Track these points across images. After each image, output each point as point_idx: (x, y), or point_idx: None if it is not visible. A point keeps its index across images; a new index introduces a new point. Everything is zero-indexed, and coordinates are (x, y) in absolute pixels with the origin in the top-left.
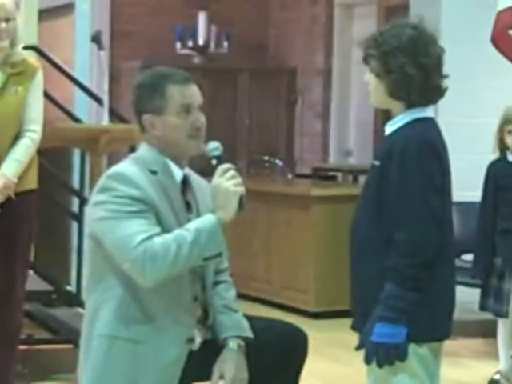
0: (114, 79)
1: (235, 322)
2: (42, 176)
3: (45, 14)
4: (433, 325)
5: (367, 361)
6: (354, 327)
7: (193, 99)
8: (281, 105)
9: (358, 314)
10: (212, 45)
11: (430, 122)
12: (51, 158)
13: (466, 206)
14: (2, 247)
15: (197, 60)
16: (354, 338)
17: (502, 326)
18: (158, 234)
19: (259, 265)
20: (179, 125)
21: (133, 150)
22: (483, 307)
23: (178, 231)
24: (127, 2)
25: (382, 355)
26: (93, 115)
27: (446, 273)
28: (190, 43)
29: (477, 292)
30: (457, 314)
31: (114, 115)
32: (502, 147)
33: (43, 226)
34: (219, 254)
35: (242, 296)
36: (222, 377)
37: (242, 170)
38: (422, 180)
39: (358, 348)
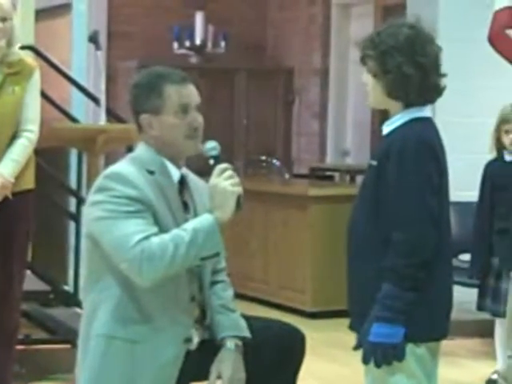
0: (110, 79)
1: (233, 321)
2: (39, 176)
3: (42, 14)
4: (430, 325)
5: (365, 361)
6: (351, 327)
7: (190, 99)
8: (278, 105)
9: (356, 314)
10: (209, 45)
11: (428, 122)
12: (48, 157)
13: (463, 205)
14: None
15: (194, 60)
16: (351, 338)
17: (499, 326)
18: (155, 234)
19: (256, 265)
20: (177, 125)
21: (130, 149)
22: (480, 307)
23: (175, 231)
24: (124, 2)
25: (379, 355)
26: (90, 115)
27: (443, 273)
28: (187, 43)
29: (474, 292)
30: (454, 314)
31: (111, 115)
32: (499, 147)
33: (40, 226)
34: (216, 254)
35: (239, 296)
36: (219, 377)
37: (239, 170)
38: (420, 180)
39: (356, 348)
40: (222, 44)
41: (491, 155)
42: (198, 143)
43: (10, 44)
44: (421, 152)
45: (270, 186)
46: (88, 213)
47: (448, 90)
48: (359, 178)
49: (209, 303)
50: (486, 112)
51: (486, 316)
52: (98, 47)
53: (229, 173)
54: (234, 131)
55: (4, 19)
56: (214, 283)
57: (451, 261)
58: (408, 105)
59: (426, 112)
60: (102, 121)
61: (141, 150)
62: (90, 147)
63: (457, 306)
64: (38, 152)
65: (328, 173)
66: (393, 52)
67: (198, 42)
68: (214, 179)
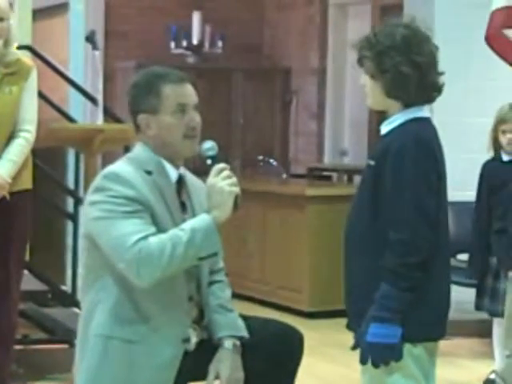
0: (108, 79)
1: (230, 321)
2: (37, 176)
3: (39, 14)
4: (428, 325)
5: (362, 361)
6: (348, 327)
7: (188, 99)
8: (275, 105)
9: (353, 314)
10: (206, 45)
11: (426, 122)
12: (46, 157)
13: (460, 205)
14: None
15: (191, 60)
16: (349, 338)
17: (497, 326)
18: (153, 234)
19: (254, 264)
20: (174, 124)
21: (127, 149)
22: (478, 307)
23: (173, 231)
24: (121, 1)
25: (377, 355)
26: (87, 115)
27: (441, 273)
28: (185, 43)
29: (472, 292)
30: (452, 314)
31: (109, 115)
32: (497, 147)
33: (38, 226)
34: (214, 254)
35: (236, 296)
36: (217, 376)
37: (236, 170)
38: (417, 180)
39: (354, 348)
40: (219, 44)
41: (489, 155)
42: (196, 143)
43: (7, 44)
44: (419, 152)
45: (268, 186)
46: (86, 213)
47: (445, 90)
48: (357, 178)
49: (207, 303)
50: (483, 112)
51: (483, 316)
52: (94, 47)
53: (226, 173)
54: (232, 131)
55: (1, 19)
56: (211, 283)
57: (449, 260)
58: (407, 104)
59: (424, 112)
60: (100, 121)
61: (138, 150)
62: (87, 147)
63: (455, 306)
64: (35, 152)
65: (326, 173)
66: (390, 52)
67: (195, 41)
68: (212, 179)
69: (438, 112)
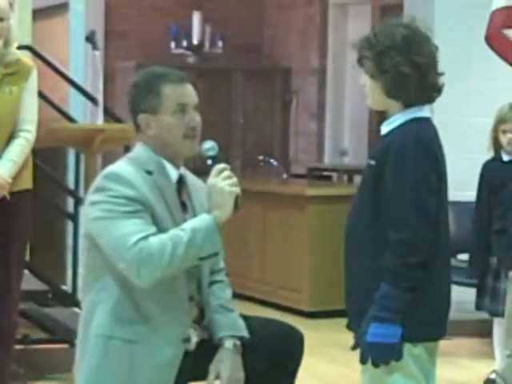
0: (108, 79)
1: (231, 321)
2: (37, 176)
3: (39, 14)
4: (428, 325)
5: (362, 361)
6: (349, 327)
7: (188, 99)
8: (275, 105)
9: (353, 314)
10: (206, 45)
11: (427, 122)
12: (46, 157)
13: (461, 205)
14: None
15: (191, 60)
16: (349, 338)
17: (497, 326)
18: (153, 234)
19: (254, 264)
20: (174, 124)
21: (127, 149)
22: (479, 307)
23: (173, 231)
24: (121, 1)
25: (377, 355)
26: (87, 115)
27: (441, 272)
28: (185, 43)
29: (472, 291)
30: (452, 314)
31: (109, 115)
32: (497, 147)
33: (38, 226)
34: (215, 254)
35: (237, 295)
36: (217, 376)
37: (236, 170)
38: (417, 180)
39: (354, 348)
40: (220, 44)
41: (489, 155)
42: (196, 143)
43: (7, 44)
44: (419, 152)
45: (268, 186)
46: (86, 213)
47: (445, 90)
48: (357, 178)
49: (207, 303)
50: (483, 112)
51: (484, 316)
52: (94, 47)
53: (227, 173)
54: (232, 131)
55: (1, 19)
56: (212, 283)
57: (449, 260)
58: (407, 104)
59: (424, 112)
60: (100, 121)
61: (139, 150)
62: (87, 147)
63: (455, 306)
64: (35, 152)
65: (326, 173)
66: (390, 52)
67: (195, 41)
68: (212, 179)
69: (438, 112)
